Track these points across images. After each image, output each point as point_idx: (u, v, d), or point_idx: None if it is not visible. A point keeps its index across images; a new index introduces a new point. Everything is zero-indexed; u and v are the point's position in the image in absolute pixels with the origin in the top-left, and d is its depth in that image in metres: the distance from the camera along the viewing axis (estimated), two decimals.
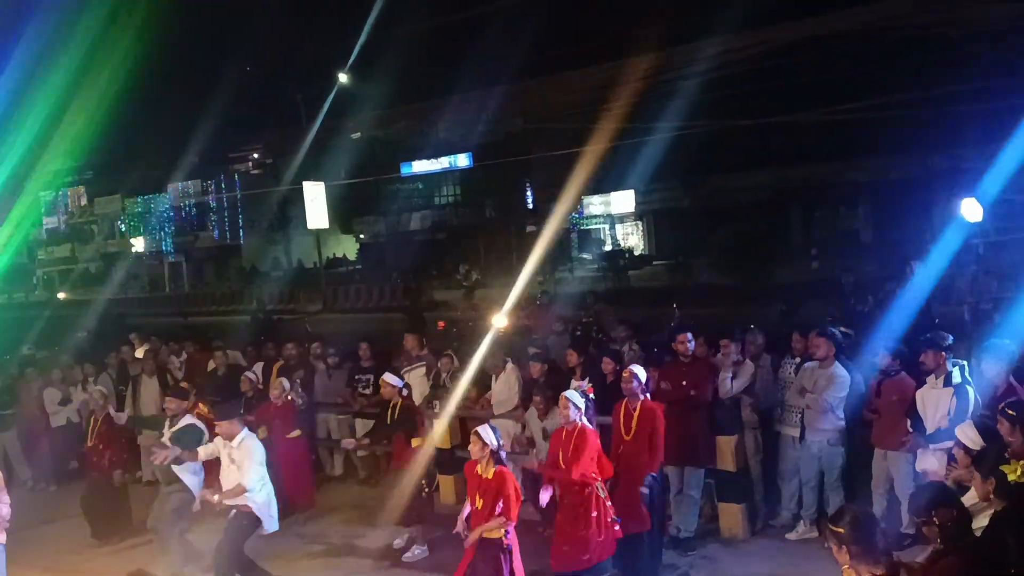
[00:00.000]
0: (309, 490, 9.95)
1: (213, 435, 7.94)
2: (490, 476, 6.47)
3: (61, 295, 31.24)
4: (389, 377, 8.95)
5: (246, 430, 7.62)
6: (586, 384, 7.40)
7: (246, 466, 7.45)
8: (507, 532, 6.49)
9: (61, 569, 8.80)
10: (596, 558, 6.76)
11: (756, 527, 8.43)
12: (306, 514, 9.72)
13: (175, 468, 8.14)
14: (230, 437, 7.52)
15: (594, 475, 6.82)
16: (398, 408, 8.76)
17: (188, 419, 8.32)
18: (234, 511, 7.59)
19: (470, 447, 6.63)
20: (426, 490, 8.56)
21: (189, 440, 8.08)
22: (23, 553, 9.24)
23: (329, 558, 8.78)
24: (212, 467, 8.11)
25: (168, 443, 8.05)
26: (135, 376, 12.24)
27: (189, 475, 8.22)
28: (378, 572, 8.33)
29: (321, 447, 11.53)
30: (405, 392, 8.97)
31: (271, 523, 7.65)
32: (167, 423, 8.54)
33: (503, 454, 6.55)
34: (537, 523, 8.13)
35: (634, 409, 7.36)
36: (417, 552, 8.52)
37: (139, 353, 13.21)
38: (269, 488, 7.66)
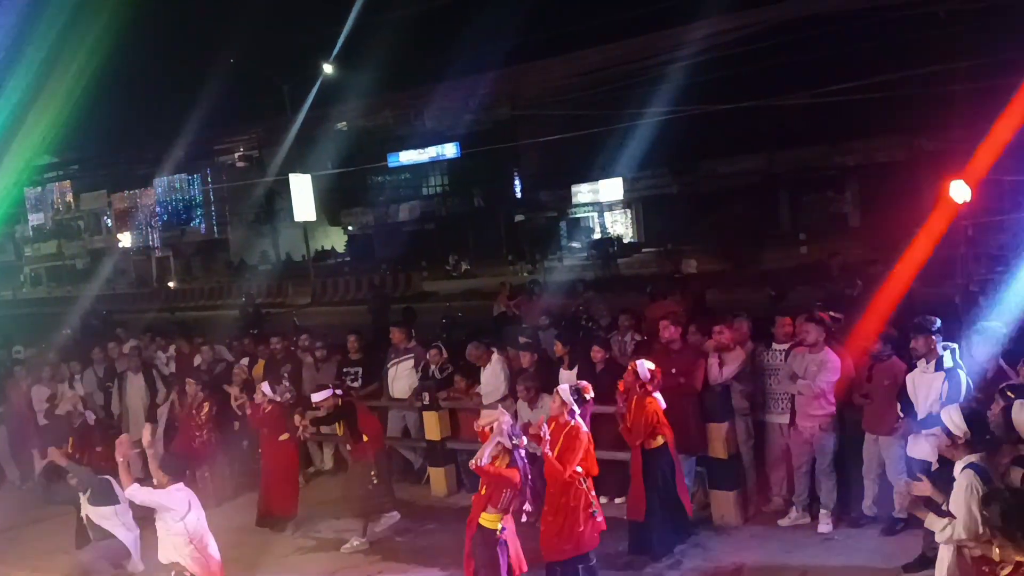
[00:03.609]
0: (292, 498, 9.55)
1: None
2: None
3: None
4: (317, 396, 8.90)
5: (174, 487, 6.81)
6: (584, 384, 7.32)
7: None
8: (503, 528, 6.46)
9: (49, 568, 8.71)
10: (575, 550, 6.80)
11: (748, 514, 8.41)
12: (292, 521, 9.41)
13: (105, 525, 7.69)
14: (162, 487, 6.74)
15: (579, 470, 6.83)
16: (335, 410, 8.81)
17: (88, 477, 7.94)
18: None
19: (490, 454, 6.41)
20: (374, 483, 8.63)
21: (103, 494, 7.69)
22: (12, 552, 9.24)
23: (319, 552, 8.74)
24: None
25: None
26: (121, 372, 12.15)
27: (123, 531, 7.70)
28: (369, 565, 8.30)
29: (310, 442, 11.45)
30: (339, 392, 8.96)
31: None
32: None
33: (513, 445, 6.38)
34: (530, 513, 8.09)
35: (632, 402, 7.57)
36: (356, 543, 8.60)
37: (125, 349, 13.11)
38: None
